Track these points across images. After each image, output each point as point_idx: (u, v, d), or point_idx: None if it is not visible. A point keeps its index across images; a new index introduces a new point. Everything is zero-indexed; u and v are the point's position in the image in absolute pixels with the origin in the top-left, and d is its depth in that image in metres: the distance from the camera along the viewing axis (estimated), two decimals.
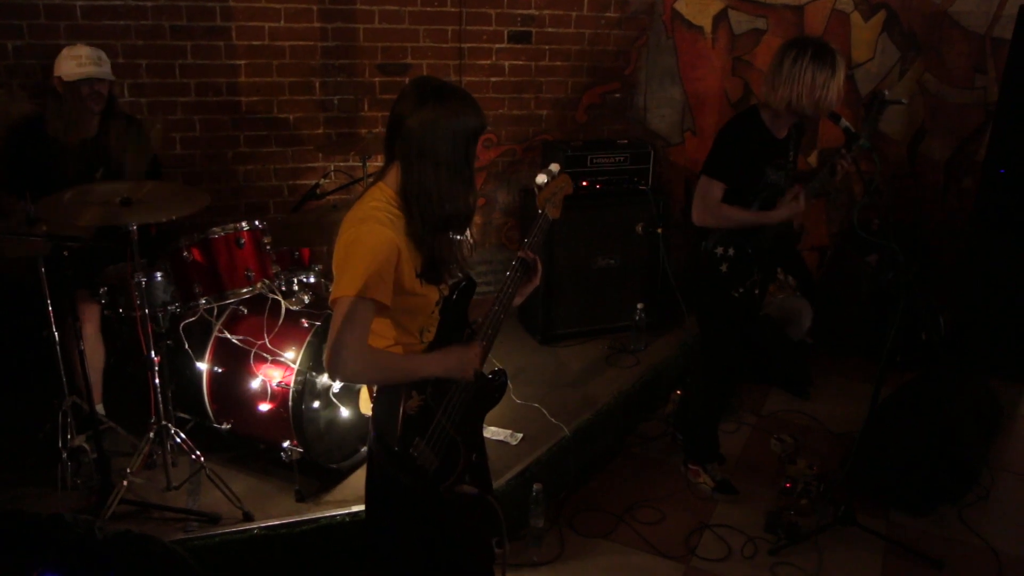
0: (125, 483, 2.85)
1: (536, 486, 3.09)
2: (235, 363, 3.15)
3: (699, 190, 3.09)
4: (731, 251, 3.14)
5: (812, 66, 2.91)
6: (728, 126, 3.16)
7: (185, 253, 3.03)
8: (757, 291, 3.24)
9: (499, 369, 2.15)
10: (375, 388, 1.99)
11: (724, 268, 3.16)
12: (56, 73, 3.25)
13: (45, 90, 3.76)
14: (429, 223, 1.86)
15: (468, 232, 2.05)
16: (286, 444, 3.02)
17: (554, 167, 2.23)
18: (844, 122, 3.05)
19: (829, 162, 3.15)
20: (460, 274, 2.01)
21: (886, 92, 3.12)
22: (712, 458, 3.61)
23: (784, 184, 3.15)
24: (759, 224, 3.12)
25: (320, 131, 4.37)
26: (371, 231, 1.80)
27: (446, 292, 1.99)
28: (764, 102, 3.08)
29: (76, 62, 3.23)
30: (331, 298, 1.82)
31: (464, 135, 1.85)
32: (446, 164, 1.84)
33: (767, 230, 3.15)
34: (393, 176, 1.89)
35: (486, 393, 2.10)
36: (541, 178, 2.19)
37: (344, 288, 1.78)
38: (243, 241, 3.12)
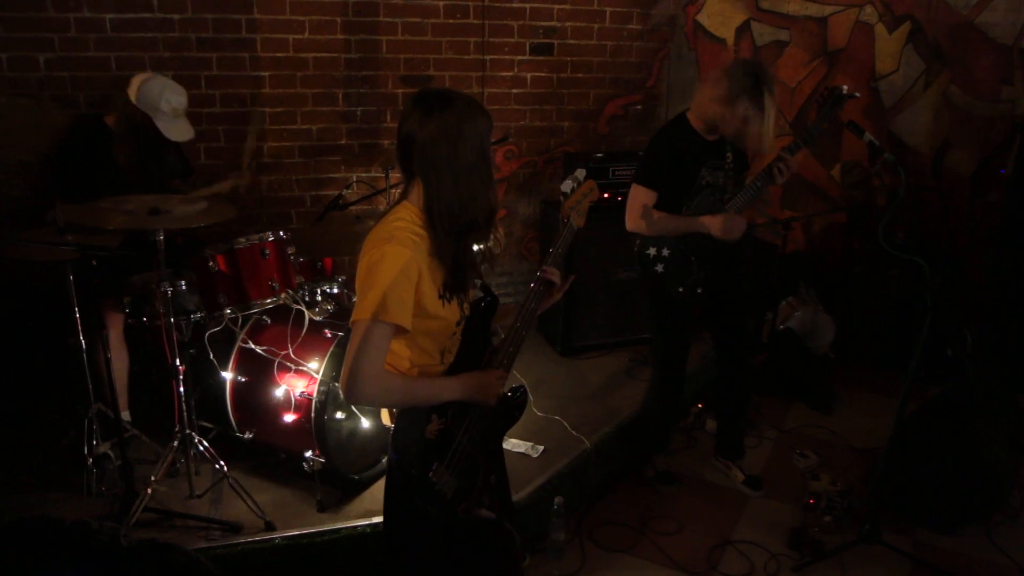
0: (148, 491, 2.87)
1: (557, 499, 3.08)
2: (258, 373, 3.17)
3: (630, 198, 3.15)
4: (665, 251, 3.19)
5: (741, 97, 2.98)
6: (657, 134, 3.23)
7: (210, 263, 3.06)
8: (700, 290, 3.23)
9: (519, 386, 2.13)
10: (395, 410, 1.97)
11: (660, 269, 3.21)
12: (141, 107, 3.23)
13: (75, 102, 3.83)
14: (456, 231, 1.85)
15: (493, 236, 2.04)
16: (308, 454, 3.03)
17: (580, 173, 2.19)
18: (868, 136, 3.03)
19: (768, 167, 3.12)
20: (479, 284, 2.00)
21: (844, 88, 3.09)
22: (661, 449, 3.69)
23: (725, 184, 3.19)
24: (684, 232, 3.14)
25: (343, 142, 4.40)
26: (394, 252, 1.79)
27: (467, 312, 1.98)
28: (697, 113, 3.15)
29: (174, 113, 3.27)
30: (351, 320, 1.82)
31: (476, 137, 1.83)
32: (464, 169, 1.82)
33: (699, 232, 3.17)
34: (416, 193, 1.87)
35: (506, 411, 2.07)
36: (567, 185, 2.16)
37: (363, 311, 1.77)
38: (267, 251, 3.14)
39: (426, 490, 1.87)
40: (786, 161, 3.08)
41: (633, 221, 3.14)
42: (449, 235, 1.85)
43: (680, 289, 3.22)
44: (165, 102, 3.24)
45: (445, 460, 1.90)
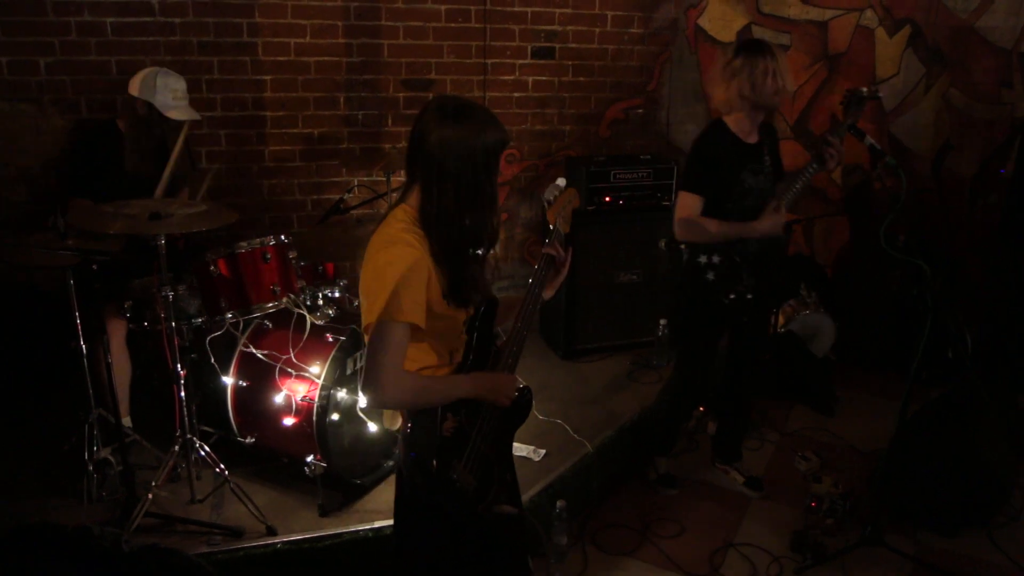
0: (150, 496, 2.86)
1: (559, 503, 3.08)
2: (260, 377, 3.16)
3: (678, 206, 3.14)
4: (716, 258, 3.17)
5: (746, 59, 3.03)
6: (697, 140, 3.21)
7: (212, 267, 3.05)
8: (750, 296, 3.21)
9: (524, 387, 2.14)
10: (408, 411, 1.98)
11: (711, 276, 3.19)
12: (138, 95, 3.30)
13: (76, 106, 3.83)
14: (449, 245, 1.84)
15: (493, 250, 2.03)
16: (310, 458, 3.02)
17: (561, 181, 2.23)
18: (869, 139, 3.04)
19: (814, 153, 3.11)
20: (481, 296, 2.00)
21: (864, 89, 3.09)
22: (665, 451, 3.67)
23: (765, 187, 3.17)
24: (739, 237, 3.12)
25: (344, 146, 4.40)
26: (401, 253, 1.79)
27: (472, 312, 1.98)
28: (725, 110, 3.14)
29: (172, 96, 3.32)
30: (364, 324, 1.81)
31: (484, 153, 1.82)
32: (466, 185, 1.81)
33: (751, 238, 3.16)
34: (415, 196, 1.87)
35: (514, 412, 2.09)
36: (550, 193, 2.19)
37: (378, 313, 1.77)
38: (269, 256, 3.14)
39: (447, 488, 1.88)
40: (834, 145, 3.06)
41: (682, 228, 3.12)
42: (444, 245, 1.84)
43: (732, 296, 3.19)
44: (162, 84, 3.29)
45: (463, 459, 1.91)
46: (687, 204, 3.10)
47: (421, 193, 1.84)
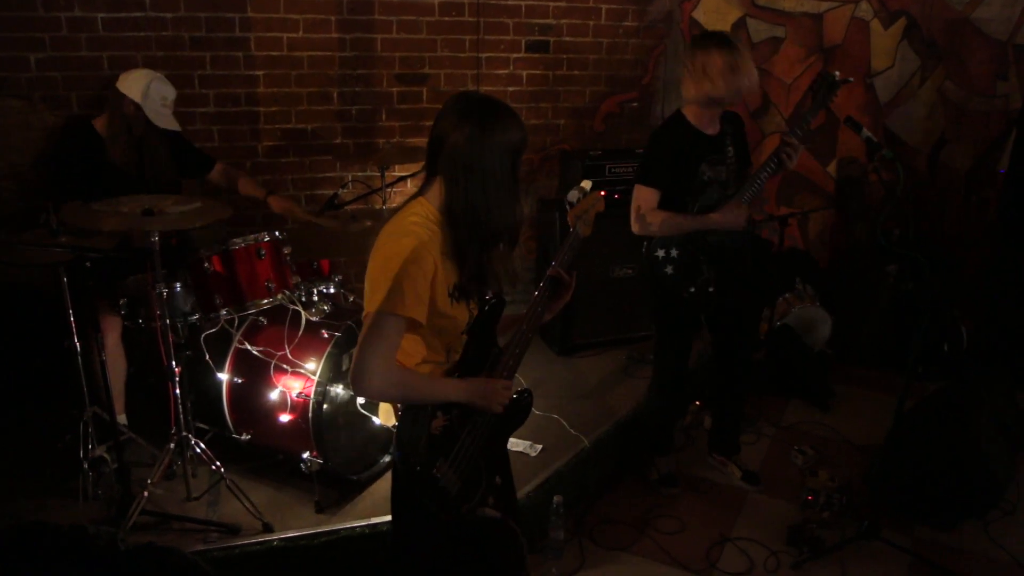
0: (145, 494, 2.85)
1: (556, 498, 3.07)
2: (255, 374, 3.15)
3: (633, 199, 3.11)
4: (674, 252, 3.16)
5: (702, 57, 2.98)
6: (654, 132, 3.19)
7: (206, 264, 3.04)
8: (711, 289, 3.19)
9: (524, 389, 2.11)
10: (400, 406, 1.97)
11: (670, 270, 3.17)
12: (130, 96, 3.28)
13: (67, 102, 3.80)
14: (478, 238, 1.84)
15: (517, 245, 2.00)
16: (306, 455, 3.02)
17: (586, 184, 2.20)
18: (866, 132, 3.02)
19: (773, 154, 3.10)
20: (504, 288, 1.98)
21: (836, 73, 3.07)
22: (664, 451, 3.64)
23: (726, 179, 3.15)
24: (696, 229, 3.10)
25: (338, 141, 4.38)
26: (410, 246, 1.79)
27: (475, 312, 1.97)
28: (687, 102, 3.11)
29: (162, 103, 3.32)
30: (364, 312, 1.81)
31: (508, 149, 1.83)
32: (492, 178, 1.81)
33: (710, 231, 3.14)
34: (435, 192, 1.87)
35: (511, 414, 2.05)
36: (573, 195, 2.17)
37: (377, 303, 1.77)
38: (263, 252, 3.13)
39: (430, 487, 1.86)
40: (792, 145, 3.05)
41: (638, 223, 3.10)
42: (470, 241, 1.84)
43: (692, 289, 3.18)
44: (155, 90, 3.29)
45: (449, 458, 1.89)
46: (642, 197, 3.08)
47: (446, 189, 1.85)
